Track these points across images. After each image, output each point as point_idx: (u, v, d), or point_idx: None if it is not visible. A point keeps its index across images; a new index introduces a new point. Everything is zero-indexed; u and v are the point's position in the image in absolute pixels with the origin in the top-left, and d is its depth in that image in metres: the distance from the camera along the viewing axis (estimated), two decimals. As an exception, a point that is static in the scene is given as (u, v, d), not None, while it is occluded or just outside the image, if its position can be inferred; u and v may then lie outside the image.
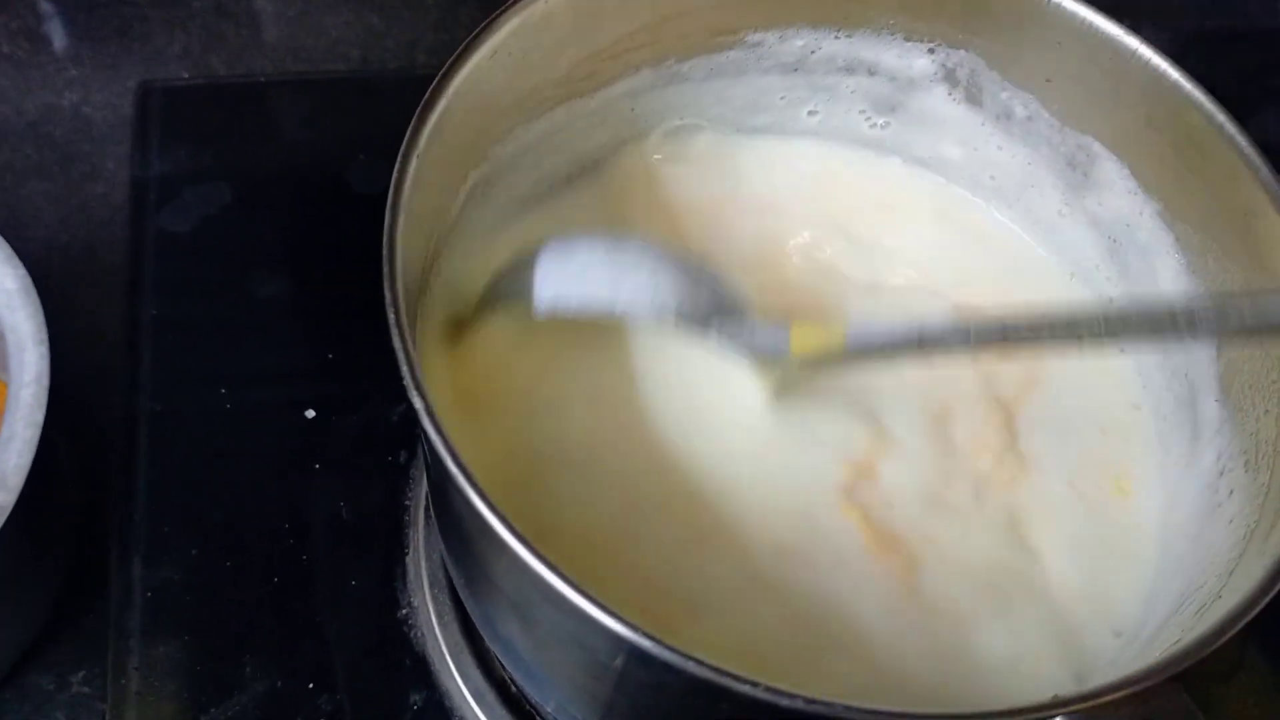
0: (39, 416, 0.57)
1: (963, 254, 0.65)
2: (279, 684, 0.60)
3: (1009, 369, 0.60)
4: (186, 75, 0.85)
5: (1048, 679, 0.52)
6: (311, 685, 0.61)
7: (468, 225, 0.57)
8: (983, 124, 0.64)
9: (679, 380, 0.57)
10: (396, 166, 0.47)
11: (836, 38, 0.62)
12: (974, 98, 0.63)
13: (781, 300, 0.61)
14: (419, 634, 0.62)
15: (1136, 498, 0.58)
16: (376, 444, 0.67)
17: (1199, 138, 0.55)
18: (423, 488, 0.66)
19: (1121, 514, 0.58)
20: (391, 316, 0.44)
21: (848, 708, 0.39)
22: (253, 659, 0.61)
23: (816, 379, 0.57)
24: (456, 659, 0.61)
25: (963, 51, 0.61)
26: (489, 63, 0.52)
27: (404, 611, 0.63)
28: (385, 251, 0.45)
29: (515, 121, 0.58)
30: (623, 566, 0.52)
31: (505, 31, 0.53)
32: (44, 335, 0.59)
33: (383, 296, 0.44)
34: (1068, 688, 0.52)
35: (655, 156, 0.65)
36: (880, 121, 0.66)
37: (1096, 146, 0.60)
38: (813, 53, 0.63)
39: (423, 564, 0.63)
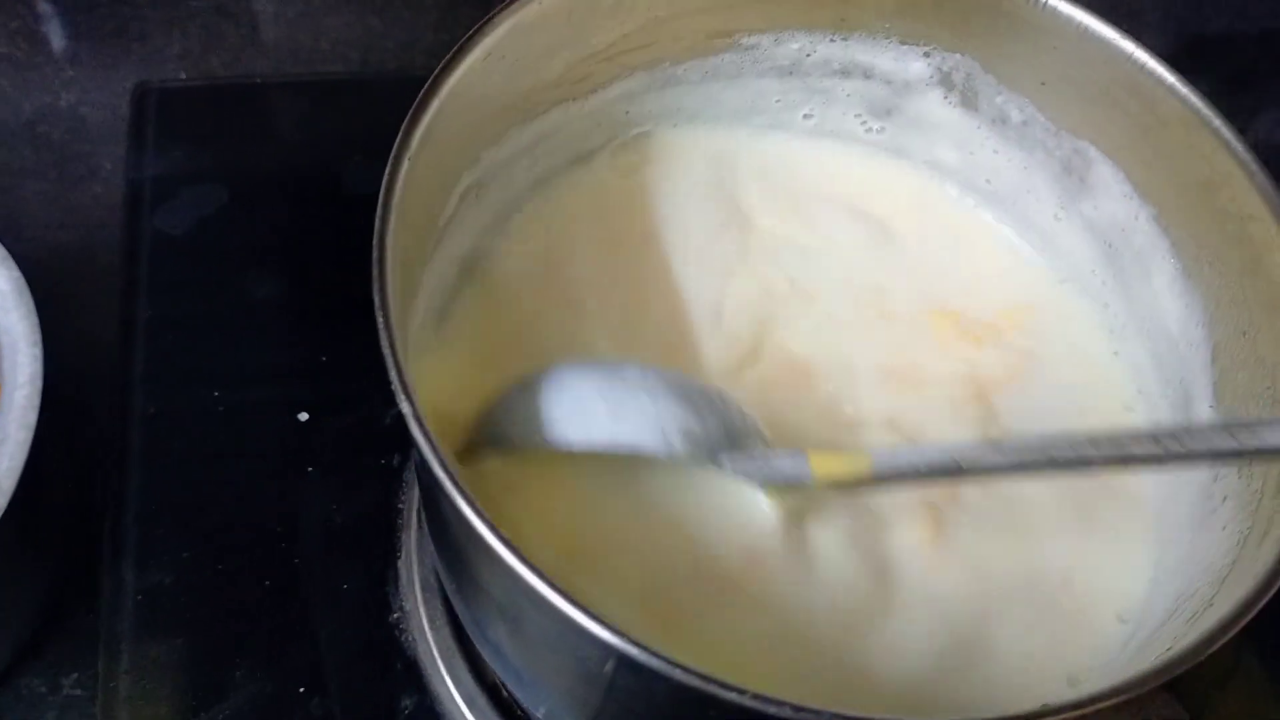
0: (32, 418, 0.57)
1: (954, 259, 0.65)
2: (270, 688, 0.60)
3: (1002, 394, 0.60)
4: (185, 76, 0.85)
5: (1055, 671, 0.52)
6: (303, 689, 0.60)
7: (461, 227, 0.57)
8: (978, 128, 0.63)
9: (690, 504, 0.54)
10: (388, 169, 0.47)
11: (832, 41, 0.62)
12: (970, 101, 0.63)
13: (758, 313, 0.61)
14: (410, 638, 0.62)
15: (1132, 500, 0.58)
16: (370, 447, 0.67)
17: (1194, 141, 0.54)
18: (415, 491, 0.66)
19: (1118, 518, 0.58)
20: (380, 320, 0.43)
21: (835, 715, 0.39)
22: (244, 662, 0.61)
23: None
24: (448, 663, 0.61)
25: (958, 55, 0.61)
26: (482, 65, 0.52)
27: (396, 615, 0.63)
28: (375, 254, 0.45)
29: (509, 124, 0.58)
30: None
31: (498, 34, 0.52)
32: (37, 337, 0.59)
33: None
34: (1079, 677, 0.52)
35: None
36: (876, 126, 0.66)
37: (1092, 151, 0.60)
38: (808, 56, 0.63)
39: (415, 568, 0.63)
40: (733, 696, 0.38)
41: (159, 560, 0.63)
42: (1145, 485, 0.58)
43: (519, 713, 0.60)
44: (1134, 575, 0.55)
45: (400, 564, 0.64)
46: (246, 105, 0.82)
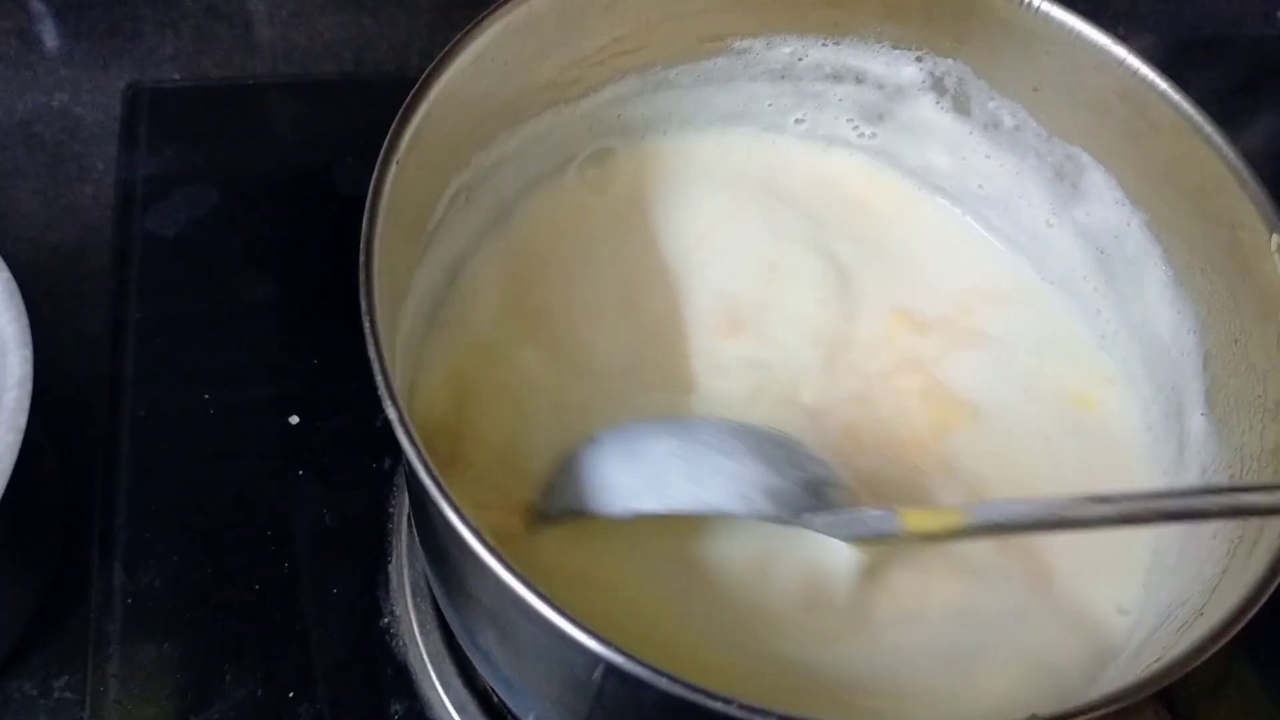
0: (22, 420, 0.56)
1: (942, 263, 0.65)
2: (259, 692, 0.60)
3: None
4: (178, 76, 0.85)
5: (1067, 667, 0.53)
6: (292, 694, 0.60)
7: (451, 230, 0.57)
8: (970, 133, 0.63)
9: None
10: (376, 171, 0.47)
11: (824, 45, 0.62)
12: (962, 106, 0.63)
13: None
14: (401, 643, 0.62)
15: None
16: (361, 450, 0.67)
17: (1186, 148, 0.54)
18: (406, 496, 0.66)
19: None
20: (367, 323, 0.43)
21: (819, 724, 0.39)
22: (233, 666, 0.61)
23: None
24: (438, 668, 0.61)
25: (950, 60, 0.61)
26: (472, 68, 0.52)
27: (386, 620, 0.63)
28: (362, 257, 0.45)
29: (499, 127, 0.57)
30: None
31: (488, 36, 0.52)
32: (28, 338, 0.58)
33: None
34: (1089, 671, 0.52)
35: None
36: (868, 131, 0.66)
37: (1084, 157, 0.60)
38: (800, 60, 0.63)
39: (405, 572, 0.63)
40: (719, 705, 0.38)
41: (149, 563, 0.63)
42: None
43: (509, 719, 0.60)
44: (1128, 581, 0.55)
45: (391, 568, 0.64)
46: (239, 106, 0.82)
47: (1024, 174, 0.63)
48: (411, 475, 0.43)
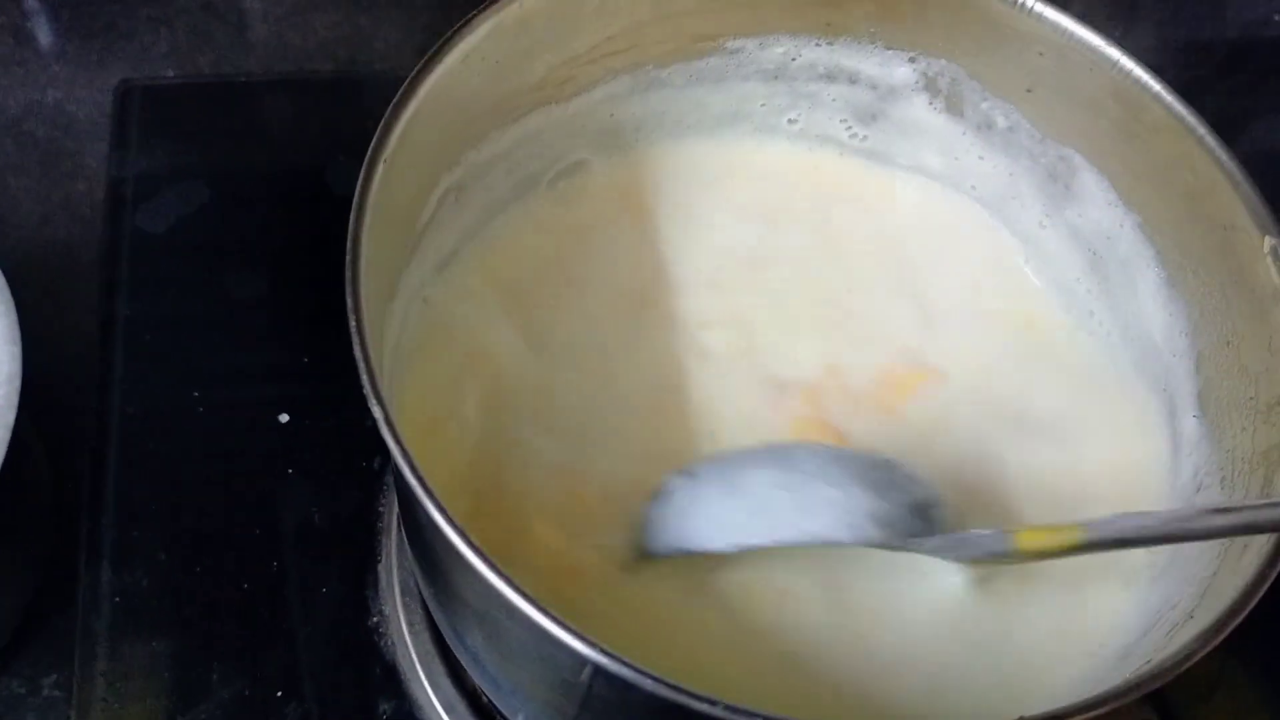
0: (9, 418, 0.56)
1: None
2: (247, 691, 0.60)
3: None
4: (172, 74, 0.85)
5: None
6: (280, 693, 0.60)
7: (440, 230, 0.57)
8: (964, 134, 0.63)
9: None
10: (363, 169, 0.47)
11: (817, 45, 0.62)
12: (955, 107, 0.63)
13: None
14: (389, 642, 0.62)
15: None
16: (350, 449, 0.67)
17: (1180, 149, 0.54)
18: (395, 495, 0.65)
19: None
20: (353, 322, 0.43)
21: (806, 727, 0.38)
22: (221, 665, 0.60)
23: None
24: (427, 668, 0.61)
25: (944, 61, 0.61)
26: (461, 66, 0.52)
27: (375, 619, 0.63)
28: (349, 256, 0.45)
29: (489, 126, 0.57)
30: None
31: (478, 35, 0.52)
32: (16, 335, 0.58)
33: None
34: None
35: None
36: (861, 132, 0.66)
37: (1077, 158, 0.60)
38: (794, 60, 0.63)
39: (394, 572, 0.63)
40: (704, 707, 0.38)
41: (136, 561, 0.63)
42: (1128, 497, 0.57)
43: (498, 719, 0.60)
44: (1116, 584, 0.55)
45: (380, 568, 0.64)
46: (231, 103, 0.81)
47: (1017, 175, 0.63)
48: (398, 475, 0.43)
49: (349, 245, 0.45)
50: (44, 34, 0.86)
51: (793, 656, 0.52)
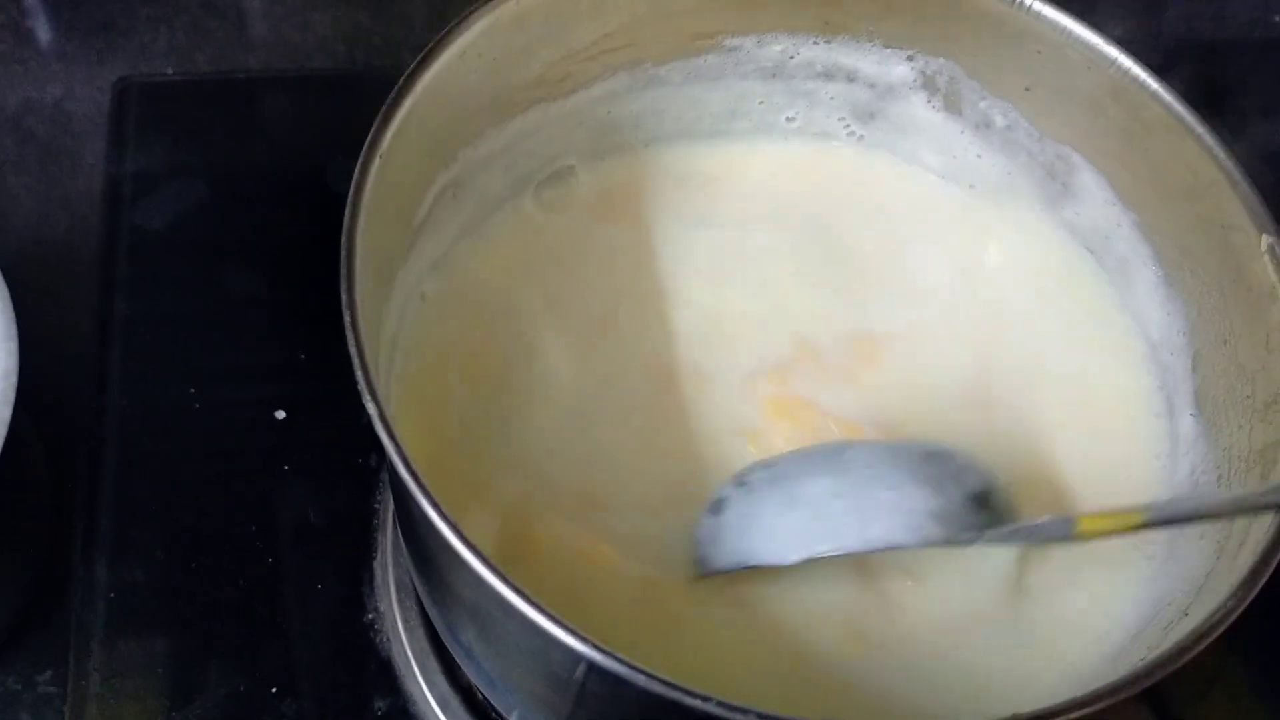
0: (6, 413, 0.56)
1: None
2: (242, 688, 0.60)
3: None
4: (171, 71, 0.85)
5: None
6: (275, 689, 0.60)
7: (438, 227, 0.57)
8: (962, 132, 0.63)
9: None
10: (359, 165, 0.47)
11: (815, 43, 0.62)
12: (953, 106, 0.63)
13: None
14: (385, 639, 0.62)
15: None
16: (347, 446, 0.67)
17: (1177, 148, 0.54)
18: (390, 492, 0.65)
19: None
20: (347, 318, 0.43)
21: (800, 725, 0.38)
22: (216, 662, 0.60)
23: None
24: (422, 665, 0.61)
25: (942, 59, 0.61)
26: (458, 62, 0.52)
27: (370, 616, 0.63)
28: (344, 252, 0.45)
29: (486, 123, 0.57)
30: None
31: (475, 31, 0.52)
32: (13, 331, 0.58)
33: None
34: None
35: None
36: (860, 130, 0.66)
37: (1075, 157, 0.60)
38: (791, 58, 0.63)
39: (390, 569, 0.63)
40: (697, 704, 0.38)
41: (132, 557, 0.63)
42: (1124, 496, 0.57)
43: (493, 715, 0.60)
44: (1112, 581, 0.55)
45: (376, 564, 0.64)
46: (229, 100, 0.81)
47: (1015, 173, 0.63)
48: (392, 471, 0.43)
49: (344, 241, 0.45)
50: (43, 31, 0.86)
51: (791, 643, 0.52)
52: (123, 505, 0.64)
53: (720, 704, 0.38)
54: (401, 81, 0.50)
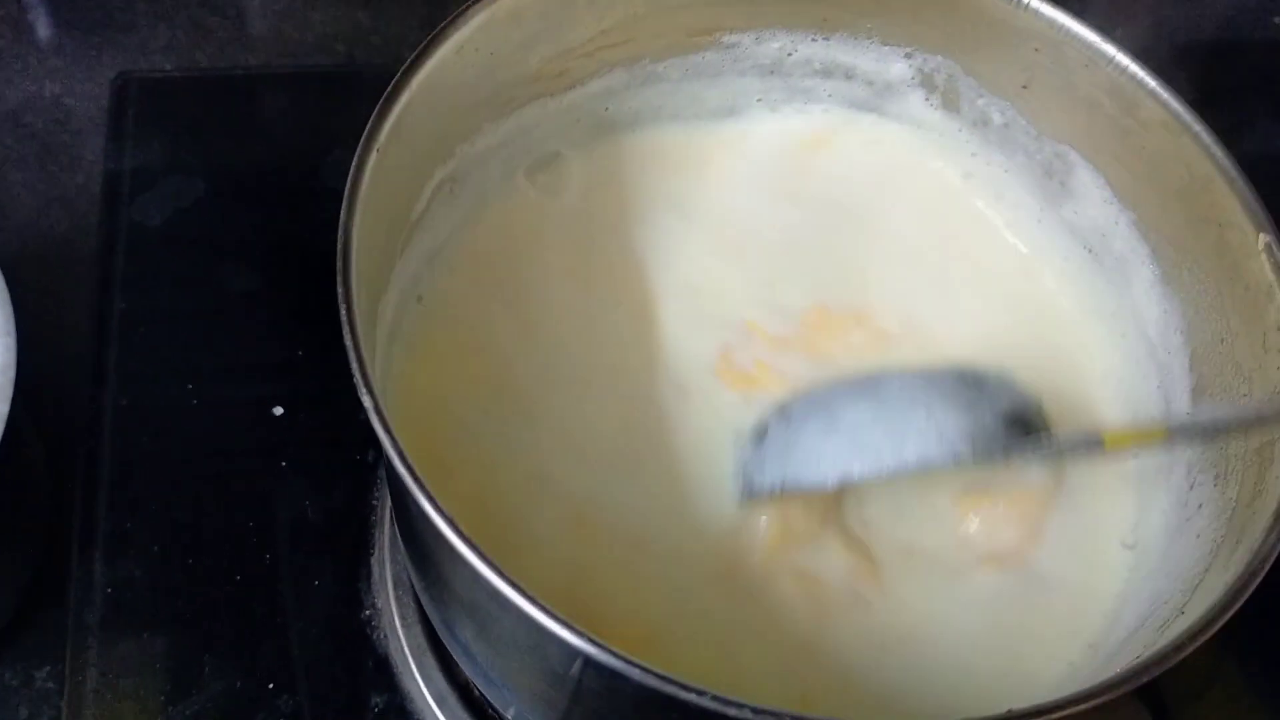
0: (4, 409, 0.56)
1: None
2: (238, 684, 0.60)
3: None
4: (170, 67, 0.85)
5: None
6: (271, 685, 0.60)
7: (434, 222, 0.57)
8: (959, 130, 0.63)
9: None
10: (355, 160, 0.47)
11: (814, 40, 0.62)
12: (951, 104, 0.63)
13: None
14: (382, 635, 0.62)
15: (1111, 506, 0.58)
16: (344, 443, 0.67)
17: (1175, 146, 0.54)
18: (388, 488, 0.65)
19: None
20: (344, 312, 0.43)
21: (795, 717, 0.38)
22: (213, 658, 0.60)
23: None
24: (419, 661, 0.61)
25: (940, 57, 0.61)
26: (455, 58, 0.52)
27: (367, 613, 0.63)
28: (340, 248, 0.45)
29: (483, 119, 0.57)
30: None
31: (471, 27, 0.52)
32: (11, 327, 0.58)
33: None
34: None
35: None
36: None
37: (1073, 155, 0.60)
38: (790, 55, 0.63)
39: (387, 565, 0.63)
40: (692, 697, 0.38)
41: (130, 553, 0.63)
42: (1123, 493, 0.57)
43: (490, 712, 0.60)
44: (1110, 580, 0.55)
45: (373, 560, 0.64)
46: (228, 97, 0.82)
47: (1013, 171, 0.63)
48: (389, 466, 0.43)
49: (340, 236, 0.45)
50: (42, 27, 0.86)
51: (793, 636, 0.52)
52: (121, 502, 0.64)
53: (715, 698, 0.38)
54: (398, 77, 0.50)
